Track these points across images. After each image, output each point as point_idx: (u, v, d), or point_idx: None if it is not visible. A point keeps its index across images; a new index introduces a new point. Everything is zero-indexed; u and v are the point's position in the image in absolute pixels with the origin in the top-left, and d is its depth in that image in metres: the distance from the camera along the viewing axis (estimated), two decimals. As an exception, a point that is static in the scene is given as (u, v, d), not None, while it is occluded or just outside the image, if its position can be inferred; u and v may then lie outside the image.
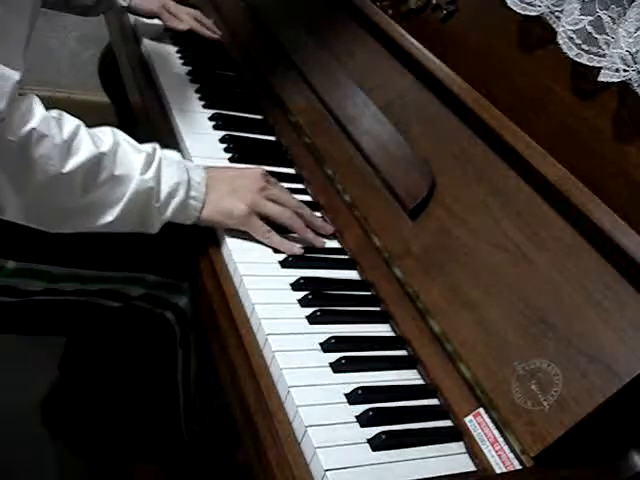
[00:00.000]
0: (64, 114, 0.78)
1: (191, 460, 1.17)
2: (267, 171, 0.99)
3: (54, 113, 0.77)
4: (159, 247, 0.96)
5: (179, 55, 1.33)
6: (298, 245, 0.91)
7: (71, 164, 0.76)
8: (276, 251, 0.90)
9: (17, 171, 0.74)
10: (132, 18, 1.44)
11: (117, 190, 0.80)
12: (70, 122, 0.78)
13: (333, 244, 0.97)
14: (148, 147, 0.85)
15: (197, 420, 1.13)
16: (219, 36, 1.39)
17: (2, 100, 0.68)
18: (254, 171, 0.94)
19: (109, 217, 0.81)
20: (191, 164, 0.90)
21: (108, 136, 0.81)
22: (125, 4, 1.30)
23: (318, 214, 1.00)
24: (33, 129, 0.72)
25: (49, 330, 1.11)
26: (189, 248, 0.93)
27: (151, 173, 0.82)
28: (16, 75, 0.70)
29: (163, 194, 0.84)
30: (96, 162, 0.78)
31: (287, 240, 0.90)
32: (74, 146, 0.76)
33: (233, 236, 0.90)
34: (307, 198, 1.04)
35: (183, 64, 1.30)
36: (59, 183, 0.76)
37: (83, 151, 0.77)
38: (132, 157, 0.82)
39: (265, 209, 0.90)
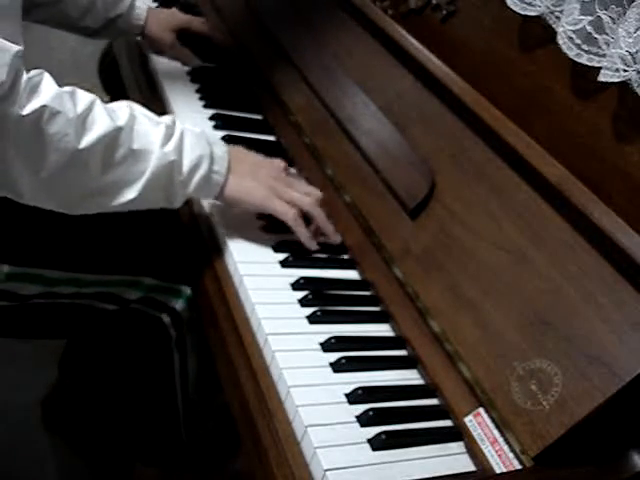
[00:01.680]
0: (77, 89, 0.76)
1: (190, 461, 1.17)
2: None
3: (67, 88, 0.74)
4: (157, 250, 0.96)
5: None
6: (315, 242, 0.90)
7: (87, 139, 0.73)
8: (276, 251, 0.90)
9: (32, 150, 0.71)
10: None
11: (138, 165, 0.77)
12: (84, 97, 0.75)
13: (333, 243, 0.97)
14: (167, 119, 0.83)
15: (196, 421, 1.13)
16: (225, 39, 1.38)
17: (1, 70, 0.65)
18: (276, 161, 0.93)
19: (132, 194, 0.78)
20: (213, 138, 0.88)
21: (124, 110, 0.79)
22: (137, 32, 1.25)
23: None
24: (44, 106, 0.70)
25: (46, 334, 1.10)
26: (189, 248, 0.93)
27: (172, 146, 0.80)
28: (14, 47, 0.67)
29: (186, 167, 0.81)
30: (113, 137, 0.75)
31: (309, 233, 0.89)
32: (89, 121, 0.74)
33: (233, 236, 0.90)
34: (307, 198, 1.04)
35: (183, 64, 1.30)
36: (76, 160, 0.73)
37: (99, 126, 0.74)
38: (151, 130, 0.79)
39: (286, 195, 0.89)
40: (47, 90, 0.71)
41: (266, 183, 0.88)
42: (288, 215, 0.88)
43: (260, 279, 0.85)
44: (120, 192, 0.78)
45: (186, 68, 1.29)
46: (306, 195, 0.91)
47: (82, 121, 0.73)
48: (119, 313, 0.99)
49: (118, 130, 0.76)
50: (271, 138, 1.17)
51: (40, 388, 1.33)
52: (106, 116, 0.75)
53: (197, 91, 1.22)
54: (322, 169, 1.05)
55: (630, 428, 0.69)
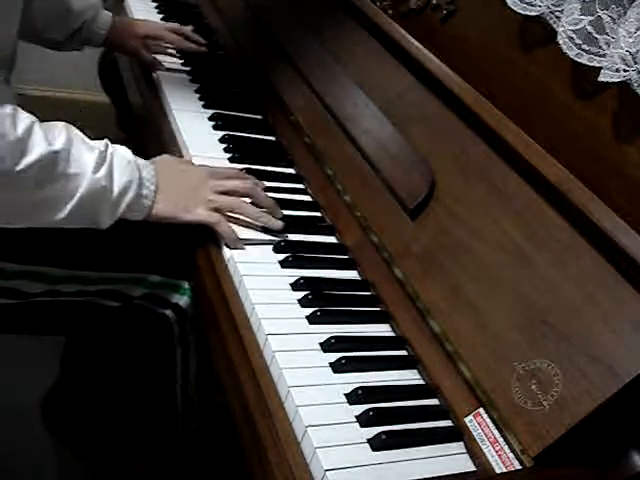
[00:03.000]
0: (19, 110, 0.78)
1: (189, 460, 1.17)
2: (261, 170, 1.00)
3: (8, 109, 0.76)
4: (161, 247, 0.96)
5: (179, 55, 1.33)
6: (240, 242, 0.90)
7: (24, 163, 0.75)
8: (276, 251, 0.90)
9: None
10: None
11: (69, 188, 0.80)
12: (24, 120, 0.77)
13: (333, 243, 0.97)
14: (100, 144, 0.85)
15: (196, 420, 1.13)
16: (204, 46, 1.35)
17: None
18: (201, 169, 0.95)
19: (60, 214, 0.81)
20: (142, 161, 0.90)
21: (62, 133, 0.81)
22: (100, 40, 1.25)
23: (318, 213, 1.00)
24: None
25: (48, 330, 1.11)
26: (189, 248, 0.93)
27: (103, 171, 0.82)
28: None
29: (115, 192, 0.84)
30: (49, 160, 0.78)
31: (232, 232, 0.90)
32: (28, 145, 0.76)
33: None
34: (307, 198, 1.04)
35: (183, 64, 1.30)
36: (11, 181, 0.76)
37: (37, 149, 0.76)
38: (85, 155, 0.82)
39: (216, 204, 0.91)
40: None
41: (195, 196, 0.90)
42: (211, 222, 0.89)
43: (260, 279, 0.84)
44: (49, 211, 0.80)
45: (186, 68, 1.29)
46: (234, 196, 0.92)
47: (21, 145, 0.76)
48: (122, 310, 0.99)
49: (55, 154, 0.78)
50: (271, 138, 1.17)
51: (40, 388, 1.33)
52: (44, 140, 0.78)
53: (197, 91, 1.22)
54: (322, 169, 1.05)
55: (630, 428, 0.69)
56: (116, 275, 0.97)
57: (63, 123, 0.83)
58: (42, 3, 1.16)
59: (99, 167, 0.82)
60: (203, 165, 0.97)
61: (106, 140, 0.87)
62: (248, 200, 0.93)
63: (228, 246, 0.89)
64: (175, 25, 1.34)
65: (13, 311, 0.96)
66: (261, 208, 0.94)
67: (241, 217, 0.92)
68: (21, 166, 0.75)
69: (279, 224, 0.93)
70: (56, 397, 1.32)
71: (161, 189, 0.89)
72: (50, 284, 0.93)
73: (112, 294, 0.98)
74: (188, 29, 1.34)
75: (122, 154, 0.87)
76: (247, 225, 0.92)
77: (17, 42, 0.99)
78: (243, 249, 0.89)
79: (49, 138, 0.79)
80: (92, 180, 0.81)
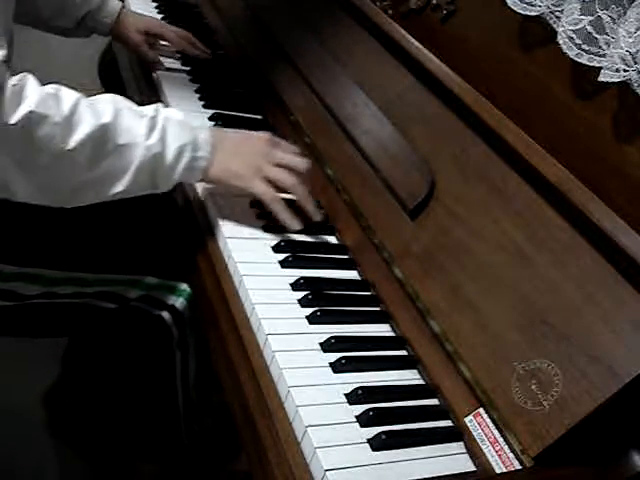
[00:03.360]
0: (62, 88, 0.77)
1: (191, 460, 1.17)
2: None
3: (51, 89, 0.76)
4: (158, 248, 0.96)
5: (179, 55, 1.33)
6: (297, 221, 0.90)
7: (74, 140, 0.75)
8: (276, 251, 0.90)
9: (22, 154, 0.73)
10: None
11: (124, 159, 0.80)
12: (68, 97, 0.77)
13: (333, 243, 0.97)
14: (150, 110, 0.85)
15: (197, 420, 1.13)
16: (208, 54, 1.35)
17: None
18: (260, 136, 0.94)
19: (120, 186, 0.81)
20: (196, 123, 0.89)
21: (109, 105, 0.80)
22: (106, 30, 1.25)
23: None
24: (31, 112, 0.72)
25: (46, 333, 1.11)
26: (189, 248, 0.93)
27: (155, 137, 0.82)
28: None
29: (170, 157, 0.83)
30: (99, 134, 0.77)
31: (289, 213, 0.90)
32: (75, 122, 0.76)
33: (233, 236, 0.90)
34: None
35: (183, 64, 1.30)
36: (65, 161, 0.76)
37: (85, 125, 0.76)
38: (135, 124, 0.81)
39: (270, 173, 0.90)
40: (32, 95, 0.72)
41: (250, 163, 0.89)
42: (266, 195, 0.89)
43: (260, 279, 0.84)
44: (108, 184, 0.80)
45: (186, 68, 1.29)
46: (290, 172, 0.91)
47: (68, 122, 0.75)
48: (119, 311, 0.99)
49: (103, 127, 0.78)
50: (271, 138, 1.16)
51: (40, 388, 1.33)
52: (91, 115, 0.77)
53: (197, 91, 1.22)
54: (322, 169, 1.05)
55: (630, 428, 0.69)
56: (112, 277, 0.96)
57: (109, 95, 0.83)
58: None
59: (150, 134, 0.82)
60: (263, 133, 0.96)
61: (157, 104, 0.86)
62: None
63: (285, 223, 0.89)
64: (183, 32, 1.33)
65: (10, 313, 0.95)
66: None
67: (290, 197, 0.91)
68: (73, 143, 0.75)
69: (320, 215, 0.94)
70: (56, 397, 1.32)
71: (218, 151, 0.88)
72: (47, 286, 0.93)
73: (109, 296, 0.98)
74: (195, 40, 1.35)
75: (174, 117, 0.86)
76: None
77: (13, 27, 0.99)
78: (300, 227, 0.90)
79: (96, 112, 0.78)
80: (145, 148, 0.81)
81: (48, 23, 1.20)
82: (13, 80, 0.72)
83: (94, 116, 0.78)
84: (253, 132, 0.95)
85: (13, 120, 0.71)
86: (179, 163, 0.84)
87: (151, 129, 0.82)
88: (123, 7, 1.26)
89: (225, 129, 0.95)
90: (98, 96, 0.82)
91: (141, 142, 0.81)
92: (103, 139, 0.78)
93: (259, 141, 0.92)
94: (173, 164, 0.84)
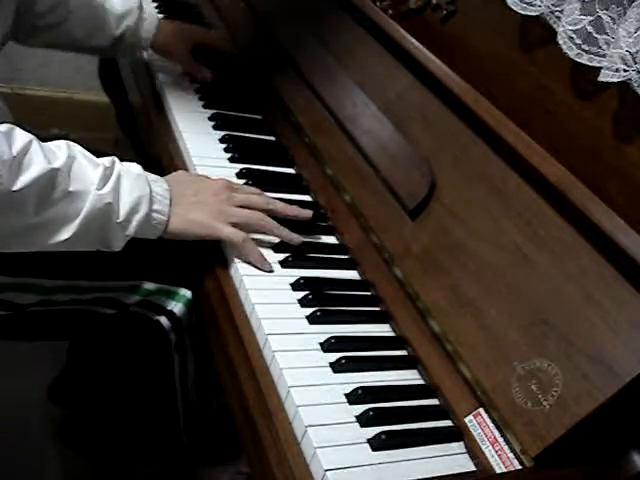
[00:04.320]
0: (15, 129, 0.74)
1: (190, 461, 1.18)
2: (261, 170, 0.98)
3: (3, 128, 0.72)
4: (156, 253, 0.96)
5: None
6: (268, 261, 0.87)
7: (21, 181, 0.71)
8: (276, 250, 0.90)
9: None
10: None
11: (73, 207, 0.76)
12: (20, 137, 0.73)
13: (333, 243, 0.97)
14: (106, 160, 0.81)
15: (196, 422, 1.13)
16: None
17: None
18: (217, 182, 0.91)
19: (64, 235, 0.77)
20: (153, 176, 0.85)
21: (63, 150, 0.77)
22: (147, 45, 1.21)
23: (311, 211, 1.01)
24: None
25: (44, 337, 1.11)
26: (189, 249, 0.93)
27: (109, 187, 0.78)
28: None
29: (124, 209, 0.79)
30: (49, 178, 0.74)
31: (258, 251, 0.87)
32: (25, 162, 0.72)
33: (233, 236, 0.90)
34: (307, 198, 1.04)
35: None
36: (9, 202, 0.71)
37: (35, 167, 0.72)
38: (88, 171, 0.78)
39: (234, 218, 0.87)
40: None
41: (212, 209, 0.86)
42: (236, 238, 0.86)
43: (260, 279, 0.85)
44: (52, 232, 0.76)
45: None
46: (253, 210, 0.89)
47: (17, 163, 0.71)
48: (118, 317, 0.99)
49: (54, 171, 0.74)
50: (271, 138, 1.17)
51: (40, 388, 1.33)
52: (43, 157, 0.74)
53: (197, 91, 1.22)
54: (322, 169, 1.05)
55: (630, 428, 0.69)
56: (111, 284, 0.96)
57: (65, 141, 0.80)
58: (81, 13, 1.13)
59: (104, 183, 0.78)
60: (219, 178, 0.93)
61: (113, 157, 0.83)
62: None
63: (255, 266, 0.86)
64: (220, 33, 1.33)
65: (8, 322, 0.95)
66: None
67: (260, 231, 0.89)
68: (18, 185, 0.71)
69: (299, 239, 0.91)
70: (56, 397, 1.32)
71: (176, 204, 0.84)
72: (43, 294, 0.92)
73: (107, 302, 0.97)
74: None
75: (130, 169, 0.83)
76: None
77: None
78: (272, 271, 0.87)
79: (48, 156, 0.75)
80: (96, 197, 0.77)
81: (85, 44, 1.17)
82: None
83: (46, 159, 0.74)
84: (208, 178, 0.92)
85: None
86: (134, 217, 0.80)
87: (105, 179, 0.78)
88: (160, 18, 1.23)
89: (182, 176, 0.92)
90: (53, 142, 0.79)
91: (92, 190, 0.76)
92: (52, 183, 0.74)
93: (216, 185, 0.89)
94: (127, 217, 0.80)
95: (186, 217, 0.85)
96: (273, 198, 0.94)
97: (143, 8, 1.20)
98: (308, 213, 0.93)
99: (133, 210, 0.80)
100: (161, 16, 1.24)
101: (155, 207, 0.82)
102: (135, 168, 0.84)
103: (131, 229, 0.81)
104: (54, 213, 0.75)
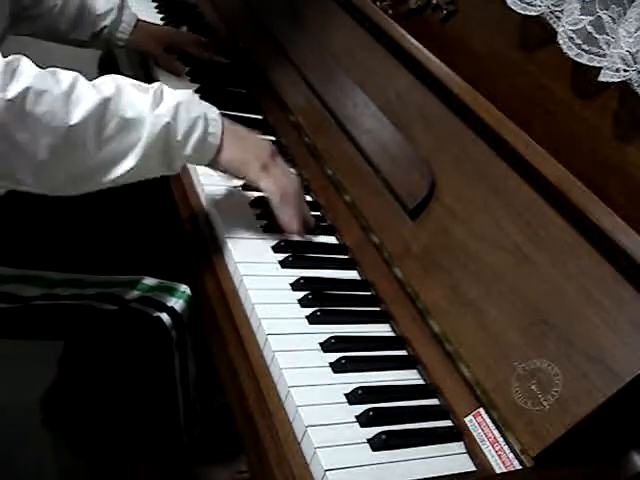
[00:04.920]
0: (58, 69, 0.74)
1: (191, 460, 1.17)
2: None
3: (49, 69, 0.73)
4: (157, 249, 0.96)
5: (179, 55, 1.33)
6: (296, 227, 0.90)
7: (77, 114, 0.71)
8: (276, 251, 0.90)
9: (23, 135, 0.69)
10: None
11: (133, 133, 0.76)
12: (67, 74, 0.74)
13: (333, 243, 0.97)
14: (156, 85, 0.82)
15: (197, 421, 1.13)
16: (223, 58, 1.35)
17: None
18: (265, 140, 0.92)
19: (130, 162, 0.76)
20: (205, 102, 0.86)
21: (109, 83, 0.77)
22: (122, 44, 1.25)
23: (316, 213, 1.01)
24: (28, 87, 0.68)
25: (46, 334, 1.11)
26: (189, 249, 0.93)
27: (164, 109, 0.78)
28: None
29: (181, 129, 0.79)
30: (103, 108, 0.74)
31: (291, 212, 0.89)
32: (75, 96, 0.72)
33: (233, 236, 0.90)
34: (307, 198, 1.04)
35: (183, 64, 1.30)
36: (70, 138, 0.71)
37: (86, 100, 0.72)
38: (140, 97, 0.78)
39: (274, 174, 0.88)
40: (28, 71, 0.69)
41: (258, 156, 0.87)
42: (276, 195, 0.88)
43: (260, 279, 0.84)
44: (119, 162, 0.76)
45: (186, 68, 1.29)
46: (291, 180, 0.91)
47: (69, 97, 0.71)
48: (119, 313, 0.99)
49: (106, 101, 0.74)
50: (271, 138, 1.17)
51: (40, 388, 1.33)
52: (92, 89, 0.74)
53: (197, 91, 1.22)
54: (322, 169, 1.05)
55: (630, 428, 0.69)
56: (112, 278, 0.96)
57: (110, 75, 0.80)
58: (65, 6, 1.16)
59: (157, 105, 0.78)
60: (265, 138, 0.94)
61: (161, 83, 0.83)
62: None
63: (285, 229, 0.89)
64: (199, 39, 1.34)
65: (10, 315, 0.95)
66: None
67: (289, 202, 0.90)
68: (75, 119, 0.71)
69: (313, 221, 0.94)
70: (56, 396, 1.32)
71: (227, 135, 0.85)
72: (46, 288, 0.92)
73: (108, 297, 0.98)
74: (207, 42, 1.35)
75: (185, 92, 0.83)
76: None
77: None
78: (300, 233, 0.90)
79: (97, 88, 0.75)
80: (153, 119, 0.77)
81: (65, 37, 1.21)
82: (6, 59, 0.69)
83: (95, 91, 0.74)
84: (258, 135, 0.93)
85: (10, 96, 0.67)
86: (191, 136, 0.80)
87: (158, 101, 0.78)
88: (138, 20, 1.25)
89: (231, 121, 0.91)
90: (97, 78, 0.78)
91: (148, 114, 0.77)
92: (107, 113, 0.74)
93: (265, 143, 0.91)
94: (185, 136, 0.80)
95: (236, 151, 0.86)
96: None
97: (124, 9, 1.23)
98: (312, 223, 0.95)
99: (190, 129, 0.80)
100: (136, 18, 1.26)
101: (210, 130, 0.83)
102: (188, 92, 0.84)
103: (188, 149, 0.81)
104: (115, 144, 0.75)
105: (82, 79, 0.75)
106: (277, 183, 0.88)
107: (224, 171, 0.87)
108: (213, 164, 0.85)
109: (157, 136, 0.77)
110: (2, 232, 0.87)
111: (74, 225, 0.95)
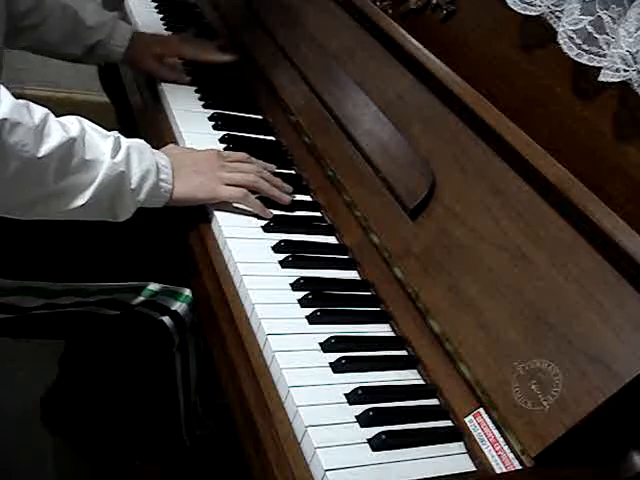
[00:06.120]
0: (30, 103, 0.78)
1: (192, 461, 1.17)
2: None
3: (21, 101, 0.77)
4: (160, 254, 0.96)
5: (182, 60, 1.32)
6: (269, 210, 0.95)
7: (45, 148, 0.76)
8: (276, 251, 0.90)
9: None
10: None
11: (89, 174, 0.81)
12: (39, 109, 0.78)
13: (333, 243, 0.97)
14: (113, 133, 0.86)
15: (198, 422, 1.13)
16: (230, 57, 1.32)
17: None
18: (209, 152, 0.97)
19: (81, 200, 0.81)
20: (154, 150, 0.91)
21: (75, 123, 0.82)
22: (119, 58, 1.23)
23: (318, 214, 1.01)
24: (4, 119, 0.72)
25: (47, 336, 1.11)
26: (189, 250, 0.93)
27: (120, 157, 0.83)
28: None
29: (135, 178, 0.85)
30: (68, 147, 0.78)
31: (259, 203, 0.94)
32: (46, 131, 0.77)
33: (233, 236, 0.90)
34: (307, 198, 1.04)
35: (183, 64, 1.30)
36: (33, 169, 0.76)
37: (55, 136, 0.77)
38: (100, 142, 0.83)
39: (230, 180, 0.93)
40: (5, 103, 0.73)
41: (209, 175, 0.93)
42: (238, 197, 0.93)
43: (260, 279, 0.84)
44: (70, 199, 0.81)
45: (186, 68, 1.28)
46: (246, 173, 0.96)
47: (40, 132, 0.76)
48: (122, 317, 0.99)
49: (72, 141, 0.79)
50: (271, 138, 1.17)
51: (40, 388, 1.33)
52: (60, 127, 0.79)
53: (197, 91, 1.22)
54: (322, 169, 1.05)
55: (630, 428, 0.69)
56: (115, 285, 0.96)
57: (74, 116, 0.84)
58: (55, 18, 1.15)
59: (116, 153, 0.83)
60: (209, 148, 1.00)
61: (116, 132, 0.87)
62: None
63: (262, 218, 0.94)
64: (196, 40, 1.34)
65: (12, 324, 0.95)
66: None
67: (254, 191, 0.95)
68: (43, 152, 0.76)
69: (288, 199, 0.98)
70: (56, 397, 1.32)
71: (177, 172, 0.90)
72: (48, 298, 0.93)
73: (111, 303, 0.98)
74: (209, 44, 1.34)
75: (137, 141, 0.88)
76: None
77: (3, 51, 0.99)
78: (270, 217, 0.95)
79: (64, 126, 0.80)
80: (111, 165, 0.82)
81: (58, 50, 1.19)
82: None
83: (63, 129, 0.79)
84: (200, 150, 0.98)
85: None
86: (144, 185, 0.86)
87: (116, 149, 0.84)
88: (135, 32, 1.23)
89: (176, 149, 0.98)
90: (64, 117, 0.83)
91: (107, 159, 0.82)
92: (71, 152, 0.79)
93: (210, 155, 0.96)
94: (139, 185, 0.85)
95: (188, 184, 0.91)
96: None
97: (118, 23, 1.21)
98: (287, 199, 0.99)
99: (143, 178, 0.85)
100: (131, 30, 1.24)
101: (162, 177, 0.88)
102: (140, 141, 0.89)
103: (141, 196, 0.86)
104: (72, 180, 0.80)
105: (51, 116, 0.80)
106: (236, 185, 0.94)
107: (182, 205, 0.93)
108: (169, 204, 0.91)
109: (110, 182, 0.82)
110: (2, 243, 0.88)
111: (75, 235, 0.95)
